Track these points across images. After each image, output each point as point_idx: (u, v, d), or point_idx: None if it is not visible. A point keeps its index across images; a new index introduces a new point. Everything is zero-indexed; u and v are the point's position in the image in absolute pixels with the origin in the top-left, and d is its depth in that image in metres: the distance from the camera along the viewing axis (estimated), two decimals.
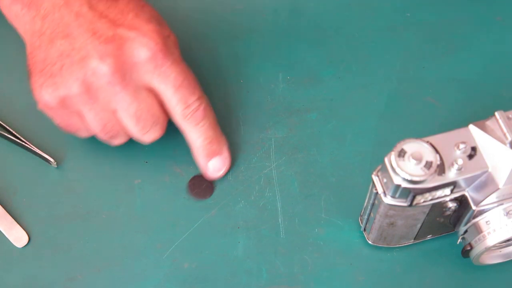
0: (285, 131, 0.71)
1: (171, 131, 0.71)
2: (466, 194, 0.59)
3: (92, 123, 0.63)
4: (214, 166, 0.67)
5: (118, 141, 0.65)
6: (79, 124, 0.64)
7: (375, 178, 0.59)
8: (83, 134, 0.66)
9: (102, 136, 0.64)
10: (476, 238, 0.61)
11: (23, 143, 0.69)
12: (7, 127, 0.70)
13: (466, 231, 0.62)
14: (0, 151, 0.70)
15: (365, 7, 0.77)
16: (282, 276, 0.65)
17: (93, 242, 0.67)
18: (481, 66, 0.74)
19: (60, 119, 0.64)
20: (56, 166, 0.69)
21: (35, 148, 0.69)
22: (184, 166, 0.69)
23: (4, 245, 0.66)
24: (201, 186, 0.68)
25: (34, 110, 0.71)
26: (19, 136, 0.69)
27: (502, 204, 0.59)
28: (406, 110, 0.72)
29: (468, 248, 0.62)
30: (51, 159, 0.68)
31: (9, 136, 0.69)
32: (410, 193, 0.57)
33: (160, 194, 0.68)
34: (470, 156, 0.57)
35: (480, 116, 0.60)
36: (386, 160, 0.57)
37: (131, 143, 0.70)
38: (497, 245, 0.61)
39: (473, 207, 0.59)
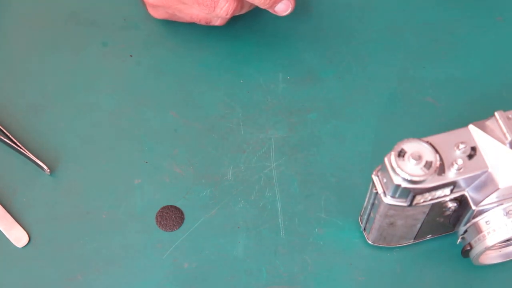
0: (285, 131, 0.71)
1: (171, 131, 0.71)
2: (466, 194, 0.59)
3: None
4: (279, 9, 0.71)
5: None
6: None
7: (375, 178, 0.59)
8: None
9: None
10: (476, 238, 0.61)
11: (19, 149, 0.69)
12: (5, 131, 0.70)
13: (466, 231, 0.62)
14: (0, 151, 0.70)
15: (365, 7, 0.77)
16: (282, 276, 0.65)
17: (93, 242, 0.67)
18: (481, 66, 0.74)
19: None
20: (49, 174, 0.69)
21: (30, 154, 0.69)
22: (184, 166, 0.69)
23: (4, 245, 0.66)
24: (170, 217, 0.67)
25: (34, 113, 0.71)
26: (15, 141, 0.69)
27: (502, 204, 0.59)
28: (406, 110, 0.72)
29: (468, 248, 0.62)
30: (45, 166, 0.68)
31: (6, 140, 0.69)
32: (410, 193, 0.57)
33: (160, 194, 0.68)
34: (470, 156, 0.57)
35: (480, 116, 0.60)
36: (386, 160, 0.57)
37: (130, 143, 0.70)
38: (497, 245, 0.61)
39: (473, 207, 0.59)
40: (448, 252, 0.66)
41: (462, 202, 0.60)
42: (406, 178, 0.56)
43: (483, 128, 0.58)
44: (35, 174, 0.69)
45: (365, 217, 0.64)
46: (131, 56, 0.74)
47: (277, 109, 0.72)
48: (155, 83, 0.73)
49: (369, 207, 0.62)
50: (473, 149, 0.58)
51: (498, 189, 0.57)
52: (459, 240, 0.63)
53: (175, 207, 0.68)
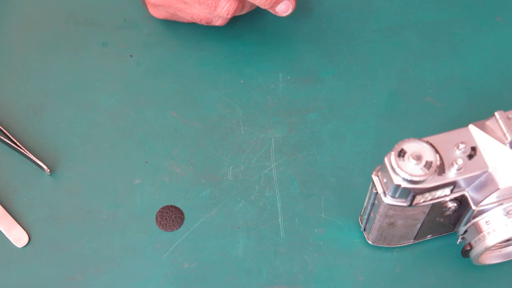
0: (285, 131, 0.71)
1: (171, 131, 0.71)
2: (466, 194, 0.59)
3: None
4: (280, 10, 0.71)
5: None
6: None
7: (375, 178, 0.59)
8: None
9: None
10: (476, 238, 0.61)
11: (19, 149, 0.69)
12: (5, 131, 0.70)
13: (466, 231, 0.62)
14: (0, 151, 0.70)
15: (365, 7, 0.77)
16: (282, 276, 0.65)
17: (93, 242, 0.67)
18: (481, 66, 0.74)
19: None
20: (49, 174, 0.69)
21: (30, 154, 0.69)
22: (184, 166, 0.69)
23: (4, 245, 0.66)
24: (170, 217, 0.67)
25: (34, 113, 0.71)
26: (15, 141, 0.69)
27: (502, 204, 0.59)
28: (406, 110, 0.72)
29: (468, 248, 0.62)
30: (45, 166, 0.68)
31: (6, 140, 0.69)
32: (410, 193, 0.57)
33: (160, 194, 0.68)
34: (470, 156, 0.57)
35: (480, 116, 0.60)
36: (386, 160, 0.57)
37: (130, 143, 0.70)
38: (497, 245, 0.61)
39: (473, 207, 0.59)
40: (448, 252, 0.66)
41: (462, 202, 0.60)
42: (406, 178, 0.56)
43: (483, 128, 0.58)
44: (35, 174, 0.69)
45: (365, 217, 0.64)
46: (131, 56, 0.74)
47: (277, 109, 0.72)
48: (155, 83, 0.73)
49: (369, 207, 0.62)
50: (473, 149, 0.58)
51: (498, 189, 0.57)
52: (459, 240, 0.63)
53: (175, 207, 0.68)
